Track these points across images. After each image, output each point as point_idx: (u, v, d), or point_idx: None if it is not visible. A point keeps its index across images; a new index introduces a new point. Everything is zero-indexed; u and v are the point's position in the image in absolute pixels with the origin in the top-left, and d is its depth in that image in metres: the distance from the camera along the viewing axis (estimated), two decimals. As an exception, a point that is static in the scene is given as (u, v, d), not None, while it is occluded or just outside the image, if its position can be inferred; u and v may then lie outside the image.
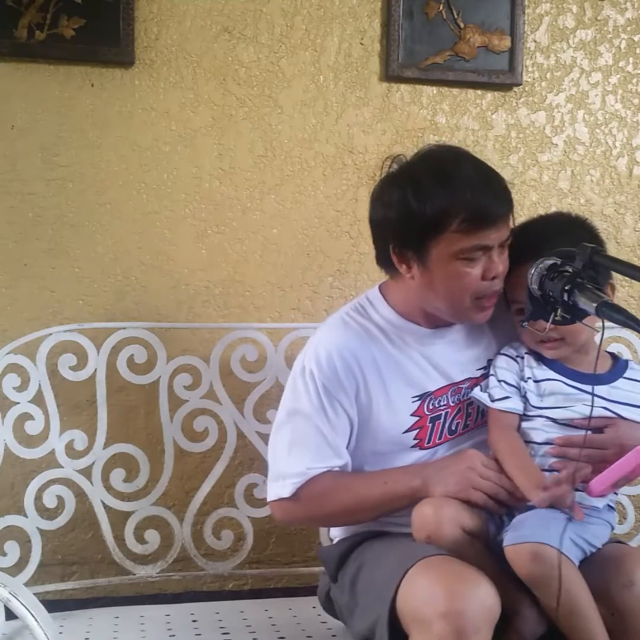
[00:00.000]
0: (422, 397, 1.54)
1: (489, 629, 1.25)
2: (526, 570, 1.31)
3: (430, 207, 1.43)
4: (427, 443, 1.54)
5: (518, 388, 1.51)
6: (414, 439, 1.54)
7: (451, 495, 1.43)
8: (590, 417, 1.35)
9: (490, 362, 1.58)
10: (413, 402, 1.53)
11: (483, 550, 1.41)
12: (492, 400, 1.51)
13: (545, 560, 1.29)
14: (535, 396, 1.49)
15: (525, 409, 1.50)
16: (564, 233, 1.50)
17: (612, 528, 1.51)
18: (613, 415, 1.47)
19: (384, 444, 1.54)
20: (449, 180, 1.44)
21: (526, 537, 1.32)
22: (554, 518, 1.35)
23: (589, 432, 1.44)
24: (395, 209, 1.48)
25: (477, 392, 1.54)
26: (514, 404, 1.50)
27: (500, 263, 1.47)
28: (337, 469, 1.52)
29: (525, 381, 1.50)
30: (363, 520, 1.54)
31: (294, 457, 1.52)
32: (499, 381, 1.52)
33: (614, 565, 1.36)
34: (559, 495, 1.35)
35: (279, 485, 1.53)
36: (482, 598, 1.25)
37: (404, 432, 1.53)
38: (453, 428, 1.56)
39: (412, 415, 1.53)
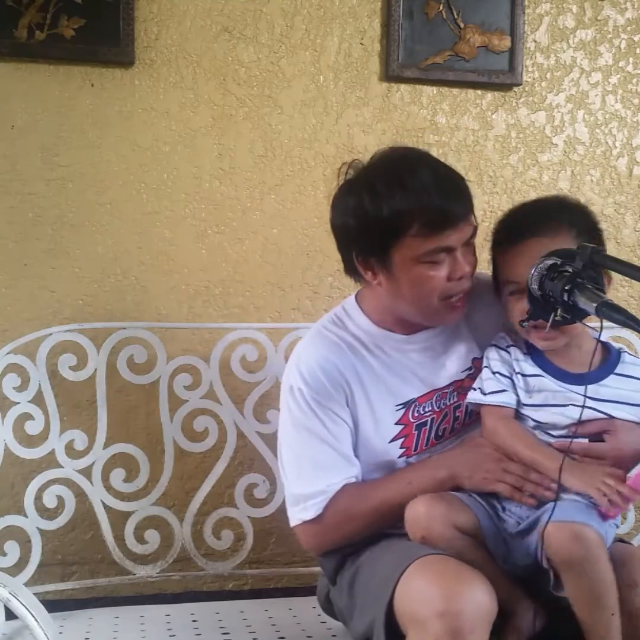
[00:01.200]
0: (406, 404, 1.52)
1: (486, 628, 1.25)
2: (566, 551, 1.29)
3: (387, 213, 1.40)
4: (414, 451, 1.53)
5: (512, 380, 1.48)
6: (400, 447, 1.53)
7: (479, 486, 1.43)
8: (579, 421, 1.35)
9: (474, 361, 1.56)
10: (397, 410, 1.52)
11: (478, 548, 1.41)
12: (486, 393, 1.48)
13: (589, 543, 1.28)
14: (523, 392, 1.47)
15: (517, 409, 1.48)
16: (562, 211, 1.49)
17: (616, 528, 1.50)
18: (603, 416, 1.44)
19: (370, 455, 1.53)
20: (404, 184, 1.41)
21: (571, 516, 1.30)
22: (586, 506, 1.35)
23: (586, 440, 1.43)
24: (353, 216, 1.46)
25: (471, 397, 1.51)
26: (509, 398, 1.47)
27: (466, 263, 1.45)
28: (353, 479, 1.51)
29: (516, 374, 1.48)
30: (394, 523, 1.48)
31: (307, 477, 1.51)
32: (494, 373, 1.49)
33: (618, 565, 1.34)
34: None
35: (299, 509, 1.51)
36: (479, 597, 1.25)
37: (389, 442, 1.52)
38: (439, 433, 1.55)
39: (396, 423, 1.52)
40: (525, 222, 1.48)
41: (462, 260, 1.45)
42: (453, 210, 1.41)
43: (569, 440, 1.40)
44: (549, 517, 1.31)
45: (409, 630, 1.27)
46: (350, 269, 1.53)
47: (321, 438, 1.50)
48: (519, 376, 1.48)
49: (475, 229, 1.48)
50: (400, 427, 1.52)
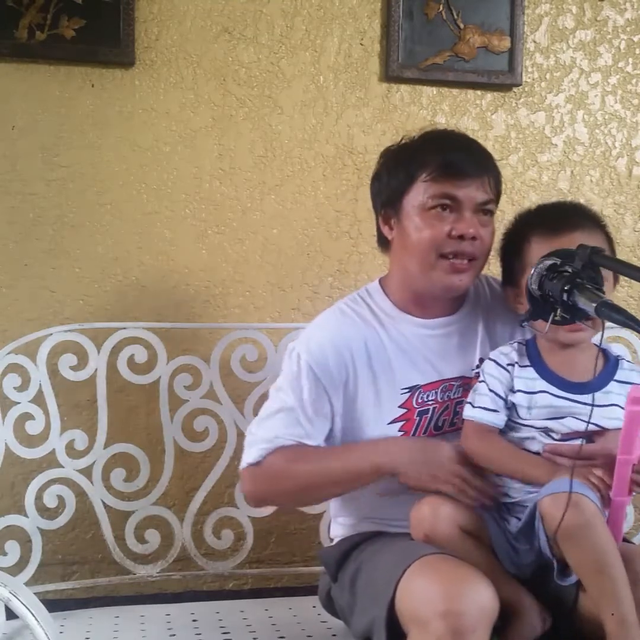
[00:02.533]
0: (412, 389, 1.54)
1: (487, 628, 1.25)
2: (565, 519, 1.28)
3: (403, 165, 1.52)
4: (412, 436, 1.54)
5: (505, 400, 1.47)
6: (399, 431, 1.53)
7: (422, 486, 1.44)
8: (586, 431, 1.36)
9: (483, 361, 1.55)
10: (402, 393, 1.53)
11: (482, 550, 1.41)
12: (475, 407, 1.48)
13: (585, 509, 1.28)
14: (524, 409, 1.45)
15: (511, 418, 1.47)
16: (596, 216, 1.53)
17: None
18: (598, 429, 1.43)
19: (369, 436, 1.54)
20: (424, 140, 1.56)
21: (564, 487, 1.30)
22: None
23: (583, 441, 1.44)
24: (380, 177, 1.59)
25: (466, 413, 1.50)
26: (498, 420, 1.47)
27: (471, 225, 1.48)
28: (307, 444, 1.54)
29: (514, 393, 1.46)
30: (326, 496, 1.57)
31: (266, 427, 1.55)
32: (490, 390, 1.48)
33: None
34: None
35: (248, 452, 1.55)
36: (480, 598, 1.25)
37: (389, 423, 1.53)
38: (439, 424, 1.55)
39: (400, 407, 1.53)
40: (567, 216, 1.49)
41: (468, 219, 1.48)
42: (465, 163, 1.49)
43: (561, 443, 1.41)
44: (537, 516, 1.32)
45: (411, 629, 1.28)
46: (379, 236, 1.62)
47: (299, 396, 1.53)
48: (520, 394, 1.46)
49: (491, 200, 1.52)
50: (403, 411, 1.53)
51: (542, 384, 1.46)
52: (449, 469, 1.44)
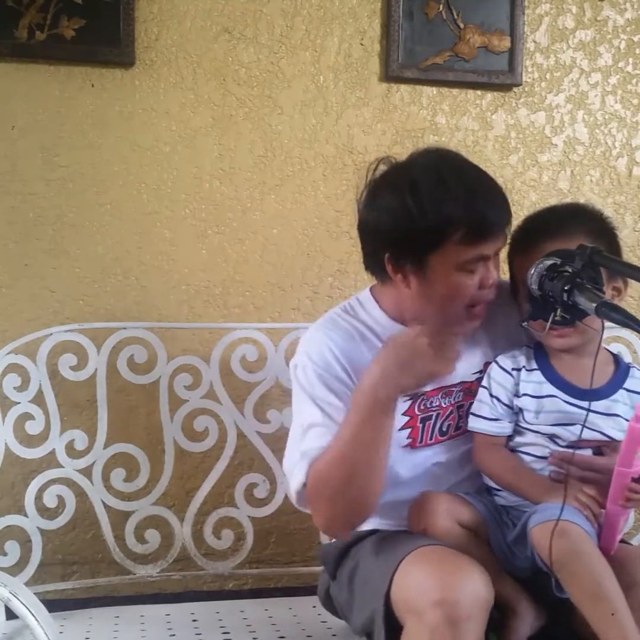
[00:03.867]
0: (414, 396, 1.52)
1: (482, 616, 1.25)
2: (554, 548, 1.29)
3: (432, 217, 1.38)
4: (419, 442, 1.53)
5: (511, 407, 1.47)
6: (407, 437, 1.53)
7: (423, 381, 1.38)
8: (579, 439, 1.35)
9: (486, 365, 1.55)
10: (404, 401, 1.51)
11: (480, 546, 1.41)
12: (479, 416, 1.48)
13: (573, 537, 1.29)
14: (531, 414, 1.45)
15: (517, 422, 1.47)
16: (586, 216, 1.50)
17: None
18: (605, 439, 1.44)
19: None
20: (450, 189, 1.39)
21: (553, 516, 1.30)
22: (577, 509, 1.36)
23: (589, 451, 1.44)
24: (391, 215, 1.43)
25: (470, 425, 1.52)
26: (501, 428, 1.47)
27: (496, 270, 1.46)
28: None
29: (520, 397, 1.46)
30: (370, 468, 1.39)
31: (298, 447, 1.47)
32: (492, 396, 1.48)
33: (617, 565, 1.35)
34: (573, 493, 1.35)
35: (292, 478, 1.47)
36: (475, 586, 1.25)
37: (399, 430, 1.51)
38: (444, 429, 1.55)
39: (403, 414, 1.52)
40: (542, 226, 1.48)
41: (493, 268, 1.45)
42: (498, 220, 1.42)
43: (572, 452, 1.40)
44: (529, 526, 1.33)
45: (406, 620, 1.28)
46: (374, 267, 1.51)
47: (317, 405, 1.47)
48: (527, 398, 1.46)
49: (507, 238, 1.48)
50: (407, 418, 1.52)
51: (550, 388, 1.46)
52: (426, 348, 1.35)
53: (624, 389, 1.47)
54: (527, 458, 1.47)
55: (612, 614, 1.26)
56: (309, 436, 1.46)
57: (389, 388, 1.36)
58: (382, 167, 1.50)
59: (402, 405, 1.52)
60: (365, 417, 1.37)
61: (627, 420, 1.43)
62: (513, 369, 1.49)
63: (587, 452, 1.44)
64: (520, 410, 1.47)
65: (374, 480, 1.40)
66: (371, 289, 1.60)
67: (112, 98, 2.10)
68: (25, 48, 2.03)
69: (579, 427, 1.39)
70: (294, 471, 1.46)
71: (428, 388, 1.51)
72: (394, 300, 1.53)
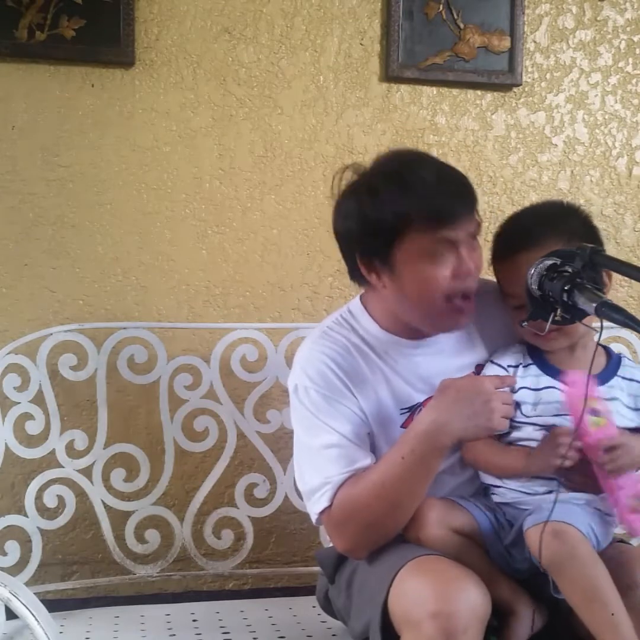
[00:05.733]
0: (412, 409, 1.51)
1: (479, 628, 1.25)
2: (548, 550, 1.29)
3: (388, 212, 1.40)
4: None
5: None
6: None
7: (479, 434, 1.38)
8: (578, 425, 1.34)
9: (479, 367, 1.53)
10: (401, 414, 1.50)
11: (475, 550, 1.41)
12: None
13: (567, 539, 1.28)
14: (529, 406, 1.45)
15: (513, 418, 1.45)
16: (556, 220, 1.48)
17: (614, 528, 1.51)
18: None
19: (378, 455, 1.49)
20: (404, 182, 1.41)
21: (550, 517, 1.30)
22: (575, 505, 1.36)
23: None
24: (354, 219, 1.45)
25: None
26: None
27: (471, 260, 1.42)
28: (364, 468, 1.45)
29: (517, 391, 1.46)
30: (408, 501, 1.39)
31: (317, 473, 1.46)
32: None
33: (617, 566, 1.34)
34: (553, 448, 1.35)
35: (312, 503, 1.47)
36: (471, 598, 1.25)
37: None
38: None
39: (402, 426, 1.50)
40: (515, 235, 1.48)
41: (467, 257, 1.42)
42: (454, 206, 1.40)
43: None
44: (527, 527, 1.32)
45: (403, 631, 1.27)
46: (355, 274, 1.51)
47: (329, 427, 1.45)
48: (526, 391, 1.46)
49: (479, 224, 1.46)
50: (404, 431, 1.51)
51: (547, 380, 1.46)
52: (493, 408, 1.36)
53: (619, 376, 1.48)
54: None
55: (610, 616, 1.25)
56: (325, 459, 1.44)
57: (448, 438, 1.37)
58: (349, 175, 1.51)
59: (400, 417, 1.51)
60: (417, 461, 1.37)
61: (625, 405, 1.46)
62: (509, 366, 1.49)
63: None
64: (518, 405, 1.46)
65: (411, 512, 1.41)
66: (361, 298, 1.58)
67: (112, 98, 2.10)
68: (25, 48, 2.03)
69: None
70: (316, 495, 1.45)
71: (424, 398, 1.50)
72: (381, 306, 1.52)
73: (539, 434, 1.44)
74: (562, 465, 1.35)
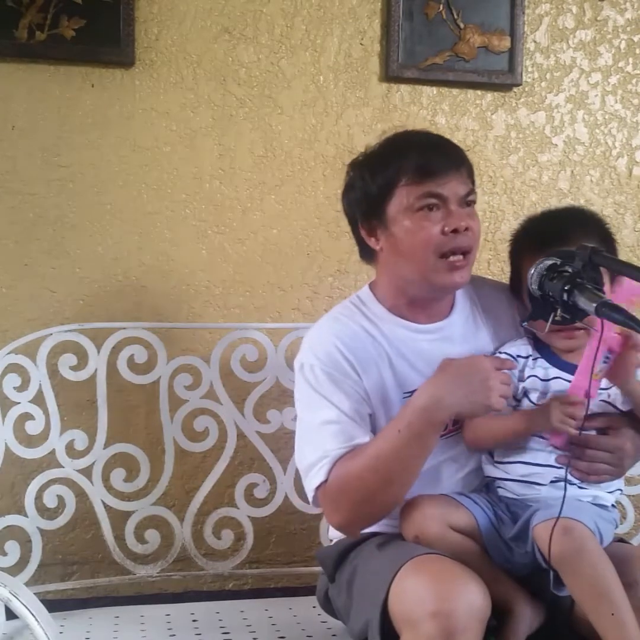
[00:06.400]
0: (413, 393, 1.50)
1: (479, 628, 1.25)
2: (557, 546, 1.30)
3: (379, 173, 1.51)
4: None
5: (513, 393, 1.48)
6: None
7: (476, 411, 1.40)
8: (586, 414, 1.36)
9: None
10: (404, 397, 1.52)
11: (474, 547, 1.41)
12: None
13: (576, 535, 1.29)
14: (538, 394, 1.47)
15: (522, 406, 1.49)
16: (586, 220, 1.53)
17: (616, 527, 1.51)
18: (613, 409, 1.47)
19: None
20: (395, 145, 1.54)
21: (557, 514, 1.31)
22: (582, 503, 1.38)
23: (594, 433, 1.45)
24: (354, 188, 1.56)
25: None
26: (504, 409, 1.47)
27: (462, 218, 1.47)
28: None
29: (525, 380, 1.48)
30: (403, 477, 1.41)
31: (315, 448, 1.48)
32: None
33: (617, 565, 1.35)
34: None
35: (309, 479, 1.48)
36: (471, 597, 1.25)
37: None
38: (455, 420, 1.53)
39: None
40: (554, 230, 1.49)
41: (457, 214, 1.47)
42: (440, 161, 1.49)
43: (577, 433, 1.41)
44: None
45: (403, 630, 1.28)
46: (363, 250, 1.60)
47: (330, 403, 1.48)
48: (536, 379, 1.48)
49: (472, 191, 1.52)
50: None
51: (555, 371, 1.49)
52: (492, 386, 1.38)
53: None
54: (532, 444, 1.47)
55: (614, 613, 1.26)
56: (325, 434, 1.47)
57: (445, 413, 1.39)
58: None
59: (402, 401, 1.51)
60: (413, 435, 1.38)
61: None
62: (519, 357, 1.51)
63: (591, 433, 1.46)
64: (526, 393, 1.48)
65: (406, 488, 1.43)
66: (370, 286, 1.62)
67: (112, 98, 2.10)
68: (26, 48, 2.03)
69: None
70: (312, 470, 1.47)
71: None
72: (387, 280, 1.57)
73: None
74: (564, 428, 1.37)
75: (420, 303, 1.55)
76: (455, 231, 1.46)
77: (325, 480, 1.45)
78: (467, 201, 1.51)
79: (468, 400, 1.38)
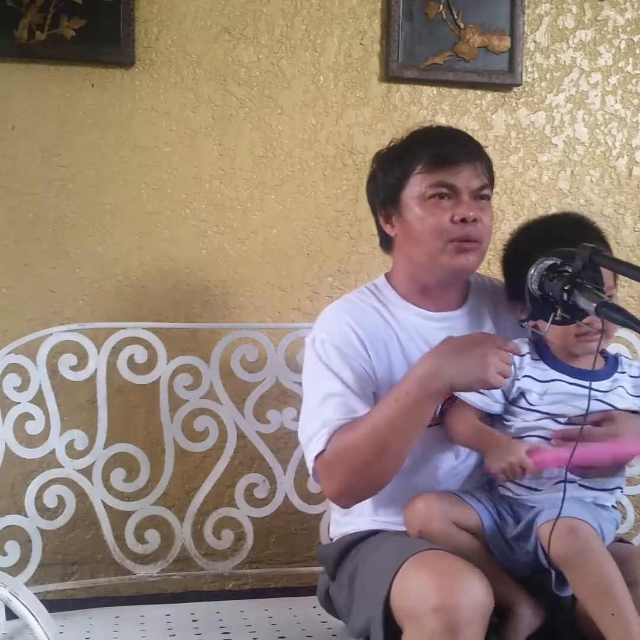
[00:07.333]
0: None
1: (482, 622, 1.25)
2: (562, 545, 1.30)
3: (397, 163, 1.57)
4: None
5: (504, 392, 1.49)
6: None
7: (474, 384, 1.41)
8: (587, 412, 1.36)
9: None
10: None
11: (477, 545, 1.41)
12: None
13: (581, 534, 1.30)
14: (536, 395, 1.47)
15: (518, 405, 1.49)
16: (588, 229, 1.55)
17: (617, 527, 1.51)
18: (608, 407, 1.47)
19: None
20: (412, 137, 1.61)
21: (562, 513, 1.31)
22: (585, 503, 1.39)
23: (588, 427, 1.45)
24: (375, 180, 1.63)
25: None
26: (490, 406, 1.48)
27: (471, 209, 1.51)
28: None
29: (521, 379, 1.48)
30: (398, 448, 1.43)
31: (316, 420, 1.49)
32: None
33: (618, 564, 1.34)
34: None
35: (311, 447, 1.49)
36: (474, 592, 1.25)
37: None
38: (443, 411, 1.55)
39: None
40: (558, 237, 1.48)
41: (467, 205, 1.51)
42: (455, 152, 1.54)
43: (572, 427, 1.42)
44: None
45: (406, 625, 1.28)
46: (382, 237, 1.65)
47: (335, 375, 1.51)
48: (532, 380, 1.48)
49: (487, 185, 1.56)
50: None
51: (554, 373, 1.49)
52: (492, 362, 1.38)
53: (619, 371, 1.52)
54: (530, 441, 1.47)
55: (618, 612, 1.26)
56: (327, 406, 1.49)
57: (441, 383, 1.40)
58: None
59: None
60: (410, 404, 1.40)
61: (630, 393, 1.50)
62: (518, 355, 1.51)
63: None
64: (522, 393, 1.48)
65: (400, 460, 1.44)
66: (386, 275, 1.67)
67: (112, 98, 2.10)
68: (26, 48, 2.03)
69: (584, 402, 1.39)
70: (312, 440, 1.49)
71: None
72: (402, 267, 1.61)
73: (543, 422, 1.46)
74: (503, 473, 1.39)
75: (432, 291, 1.59)
76: (463, 221, 1.50)
77: (324, 450, 1.47)
78: (481, 195, 1.54)
79: (464, 372, 1.39)
